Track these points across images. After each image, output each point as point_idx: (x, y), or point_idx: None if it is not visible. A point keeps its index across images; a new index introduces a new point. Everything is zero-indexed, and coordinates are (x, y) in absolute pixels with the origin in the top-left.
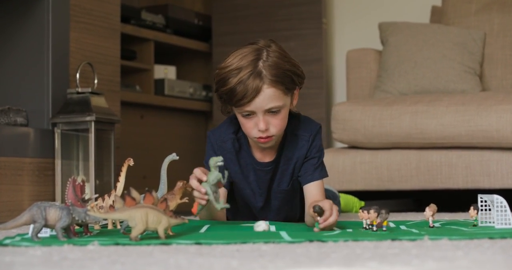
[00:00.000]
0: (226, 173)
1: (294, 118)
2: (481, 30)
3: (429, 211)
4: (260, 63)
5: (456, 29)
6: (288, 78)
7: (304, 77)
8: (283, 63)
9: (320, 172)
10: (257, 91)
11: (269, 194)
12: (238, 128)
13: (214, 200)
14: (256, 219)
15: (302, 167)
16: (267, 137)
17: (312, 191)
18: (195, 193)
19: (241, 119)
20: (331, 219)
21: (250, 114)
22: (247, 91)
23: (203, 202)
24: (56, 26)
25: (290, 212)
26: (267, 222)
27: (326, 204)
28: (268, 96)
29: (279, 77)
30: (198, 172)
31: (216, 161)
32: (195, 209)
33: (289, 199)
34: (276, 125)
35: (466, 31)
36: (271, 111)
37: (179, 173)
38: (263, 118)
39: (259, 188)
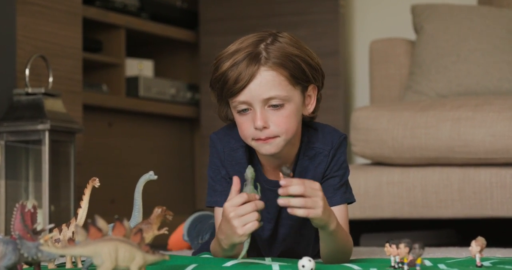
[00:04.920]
0: (258, 185)
1: (310, 128)
2: None
3: (476, 246)
4: (262, 45)
5: None
6: (295, 65)
7: (321, 73)
8: (291, 48)
9: (342, 195)
10: (252, 74)
11: (278, 221)
12: None
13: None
14: (259, 252)
15: None
16: (267, 138)
17: None
18: (247, 217)
19: (237, 118)
20: (295, 188)
21: (247, 109)
22: (240, 74)
23: (255, 226)
24: None
25: (299, 245)
26: (310, 258)
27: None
28: (266, 81)
29: (283, 61)
30: (234, 187)
31: (252, 171)
32: (175, 245)
33: (299, 227)
34: (278, 124)
35: None
36: (272, 105)
37: (158, 196)
38: (261, 112)
39: (268, 212)
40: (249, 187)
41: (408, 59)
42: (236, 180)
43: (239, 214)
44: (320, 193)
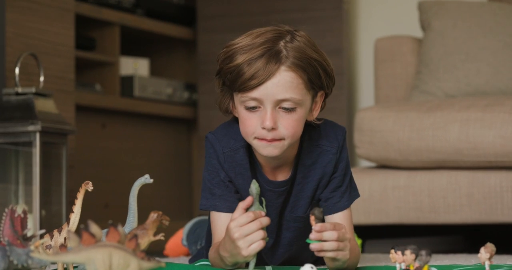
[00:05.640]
0: (263, 200)
1: (309, 125)
2: None
3: (486, 253)
4: (282, 43)
5: None
6: (313, 70)
7: (333, 81)
8: (310, 51)
9: (349, 196)
10: (271, 73)
11: (280, 224)
12: None
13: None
14: (261, 258)
15: (325, 188)
16: (273, 140)
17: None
18: (253, 236)
19: (242, 113)
20: (329, 234)
21: (256, 107)
22: (258, 71)
23: (261, 246)
24: None
25: (303, 251)
26: (312, 266)
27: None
28: (285, 82)
29: (303, 63)
30: (242, 203)
31: (257, 186)
32: (173, 250)
33: (304, 230)
34: (287, 127)
35: None
36: (284, 108)
37: (154, 201)
38: (272, 112)
39: (268, 215)
40: (255, 204)
41: (415, 57)
42: (249, 198)
43: (244, 234)
44: (348, 236)
